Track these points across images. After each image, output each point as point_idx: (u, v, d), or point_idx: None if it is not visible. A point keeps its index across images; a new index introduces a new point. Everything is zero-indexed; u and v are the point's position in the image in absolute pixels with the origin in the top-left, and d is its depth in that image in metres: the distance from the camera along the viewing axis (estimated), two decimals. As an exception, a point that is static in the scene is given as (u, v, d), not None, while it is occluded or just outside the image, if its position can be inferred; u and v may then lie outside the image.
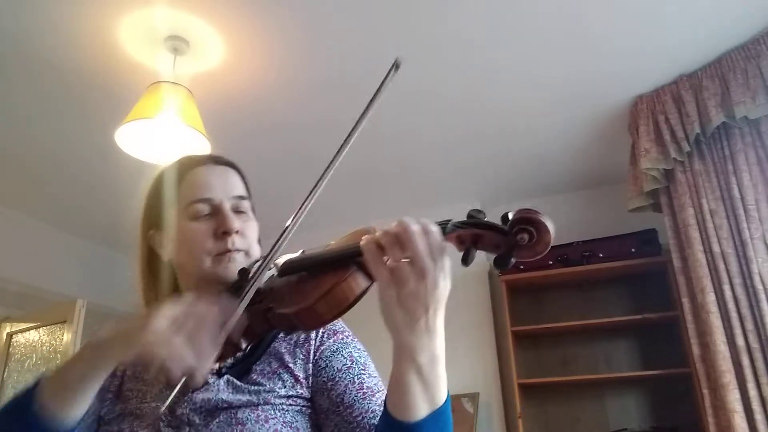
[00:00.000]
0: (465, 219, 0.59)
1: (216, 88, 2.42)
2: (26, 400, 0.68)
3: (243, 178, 0.94)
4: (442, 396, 0.63)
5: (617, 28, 2.18)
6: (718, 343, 2.20)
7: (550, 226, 0.55)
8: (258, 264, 0.74)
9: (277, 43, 2.20)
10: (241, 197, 0.89)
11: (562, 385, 3.19)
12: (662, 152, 2.49)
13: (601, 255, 3.03)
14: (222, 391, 0.77)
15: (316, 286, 0.65)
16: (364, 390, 0.77)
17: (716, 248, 2.28)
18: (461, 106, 2.64)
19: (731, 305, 2.19)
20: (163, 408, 0.71)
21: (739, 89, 2.26)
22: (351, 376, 0.79)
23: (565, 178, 3.38)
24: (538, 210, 0.55)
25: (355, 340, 0.86)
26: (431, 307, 0.58)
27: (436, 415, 0.62)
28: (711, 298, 2.25)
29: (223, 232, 0.83)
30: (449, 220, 0.59)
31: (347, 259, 0.64)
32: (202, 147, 2.17)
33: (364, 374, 0.80)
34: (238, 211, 0.88)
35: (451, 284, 0.60)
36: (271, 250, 0.70)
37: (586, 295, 3.26)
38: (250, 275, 0.73)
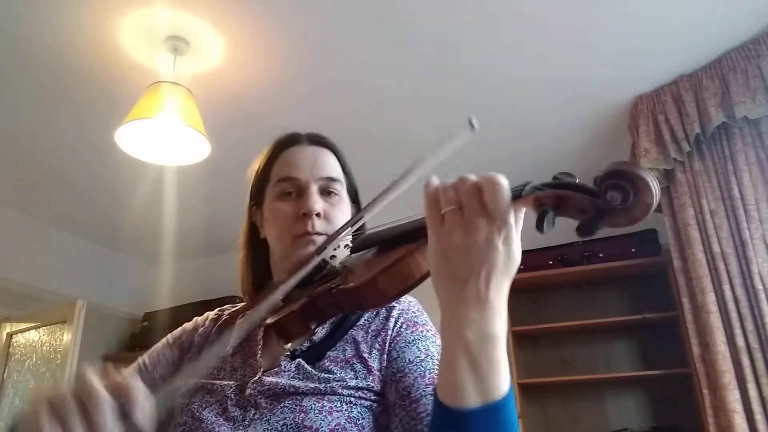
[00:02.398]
0: (548, 181, 0.50)
1: (216, 88, 2.42)
2: None
3: (339, 158, 0.91)
4: (498, 387, 0.52)
5: (617, 28, 2.18)
6: (718, 343, 2.19)
7: (652, 182, 0.44)
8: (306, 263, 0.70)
9: (277, 43, 2.20)
10: (331, 178, 0.86)
11: (562, 385, 3.19)
12: (662, 152, 2.49)
13: (601, 255, 3.03)
14: (291, 375, 0.74)
15: (383, 260, 0.60)
16: (434, 386, 0.68)
17: (716, 248, 2.28)
18: (462, 108, 2.64)
19: (731, 305, 2.19)
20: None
21: (739, 89, 2.26)
22: (422, 369, 0.73)
23: (565, 178, 3.38)
24: (636, 163, 0.45)
25: (437, 335, 0.79)
26: (482, 271, 0.51)
27: (490, 410, 0.52)
28: (711, 298, 2.25)
29: (303, 214, 0.81)
30: (529, 182, 0.51)
31: (418, 232, 0.57)
32: (202, 147, 2.18)
33: (437, 370, 0.73)
34: (327, 192, 0.85)
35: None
36: (326, 242, 0.67)
37: (586, 295, 3.26)
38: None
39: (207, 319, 0.93)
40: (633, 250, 2.95)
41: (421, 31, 2.16)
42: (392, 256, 0.59)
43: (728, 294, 2.21)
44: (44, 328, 3.53)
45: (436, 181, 0.55)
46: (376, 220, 0.72)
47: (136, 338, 4.03)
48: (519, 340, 3.23)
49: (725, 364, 2.16)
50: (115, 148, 2.18)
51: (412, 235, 0.59)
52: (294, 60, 2.29)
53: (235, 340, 0.81)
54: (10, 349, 3.66)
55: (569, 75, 2.45)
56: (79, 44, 2.14)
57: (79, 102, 2.49)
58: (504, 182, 0.50)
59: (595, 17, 2.12)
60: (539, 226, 0.48)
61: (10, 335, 3.68)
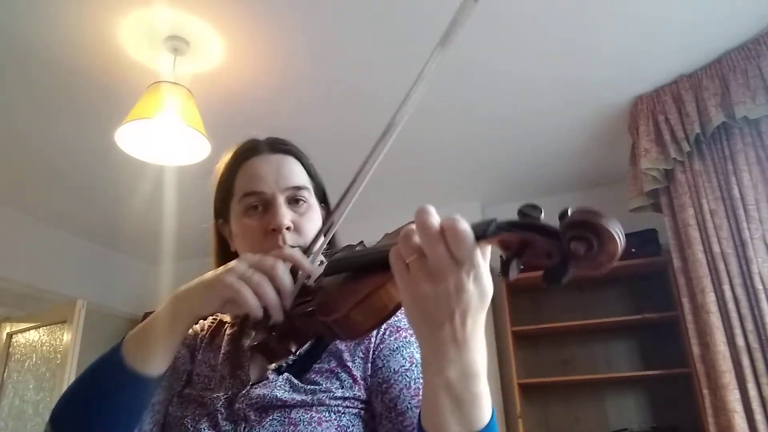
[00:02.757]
0: (512, 219, 0.48)
1: (216, 88, 2.42)
2: (113, 355, 0.69)
3: (303, 163, 0.88)
4: (480, 419, 0.53)
5: (617, 28, 2.18)
6: (718, 343, 2.19)
7: (616, 232, 0.42)
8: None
9: (277, 44, 2.20)
10: (297, 187, 0.83)
11: (562, 385, 3.19)
12: (662, 152, 2.49)
13: (601, 255, 3.03)
14: (279, 388, 0.75)
15: (355, 292, 0.58)
16: (420, 397, 0.70)
17: (716, 248, 2.28)
18: (463, 110, 2.64)
19: (731, 305, 2.19)
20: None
21: (739, 89, 2.26)
22: (407, 380, 0.73)
23: (565, 179, 3.38)
24: (600, 212, 0.43)
25: None
26: (456, 314, 0.49)
27: None
28: (711, 298, 2.25)
29: (272, 230, 0.79)
30: (493, 220, 0.48)
31: (386, 262, 0.56)
32: (202, 147, 2.18)
33: (422, 379, 0.74)
34: (295, 200, 0.83)
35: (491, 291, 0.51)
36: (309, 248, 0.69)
37: (586, 295, 3.26)
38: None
39: (204, 326, 0.94)
40: (633, 250, 2.95)
41: (421, 31, 2.16)
42: (364, 287, 0.58)
43: (728, 294, 2.21)
44: (44, 328, 3.53)
45: (432, 215, 0.51)
46: (350, 232, 0.72)
47: (136, 338, 4.02)
48: (519, 340, 3.23)
49: (725, 364, 2.16)
50: (115, 148, 2.18)
51: (383, 265, 0.56)
52: (294, 60, 2.29)
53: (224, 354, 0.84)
54: (10, 349, 3.66)
55: (569, 75, 2.45)
56: (79, 44, 2.14)
57: (79, 102, 2.49)
58: (466, 227, 0.48)
59: (595, 17, 2.12)
60: (505, 273, 0.47)
61: (10, 335, 3.69)
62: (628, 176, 2.76)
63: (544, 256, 0.46)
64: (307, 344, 0.81)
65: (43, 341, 3.53)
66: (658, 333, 3.04)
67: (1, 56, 2.20)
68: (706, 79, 2.39)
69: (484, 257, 0.50)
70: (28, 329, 3.63)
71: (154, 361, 0.68)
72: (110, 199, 3.40)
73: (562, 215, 0.45)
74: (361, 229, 0.99)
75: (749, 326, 2.14)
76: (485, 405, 0.53)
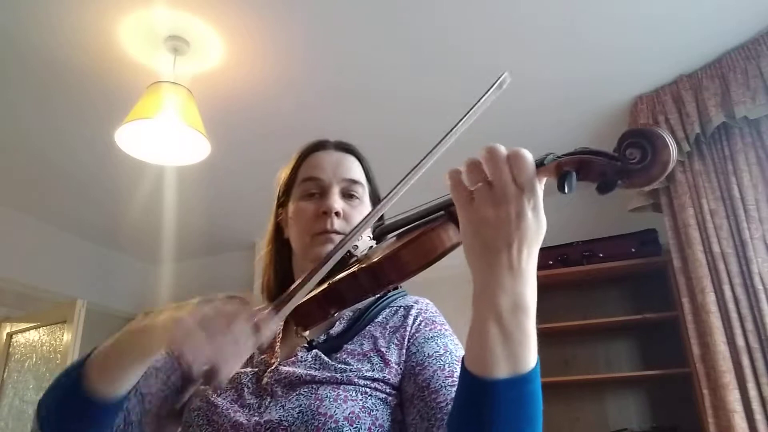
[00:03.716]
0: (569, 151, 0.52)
1: (216, 88, 2.42)
2: (74, 378, 0.71)
3: (363, 165, 0.95)
4: (527, 359, 0.53)
5: (617, 28, 2.18)
6: (718, 343, 2.20)
7: (669, 141, 0.45)
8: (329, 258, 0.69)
9: (277, 44, 2.20)
10: (353, 180, 0.90)
11: (562, 385, 3.19)
12: (662, 152, 2.48)
13: (601, 255, 3.03)
14: (308, 365, 0.76)
15: (404, 238, 0.61)
16: (454, 378, 0.71)
17: (716, 248, 2.28)
18: (463, 108, 2.63)
19: (731, 305, 2.19)
20: (179, 405, 0.69)
21: (739, 89, 2.26)
22: (441, 363, 0.74)
23: (565, 178, 3.38)
24: (655, 126, 0.46)
25: (454, 336, 0.82)
26: (515, 241, 0.51)
27: (519, 381, 0.52)
28: (711, 298, 2.25)
29: (323, 212, 0.85)
30: (550, 153, 0.52)
31: (439, 210, 0.60)
32: (202, 147, 2.18)
33: (456, 365, 0.73)
34: (348, 194, 0.89)
35: (545, 226, 0.53)
36: (349, 234, 0.67)
37: (586, 295, 3.26)
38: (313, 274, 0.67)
39: None
40: (633, 250, 2.95)
41: (421, 32, 2.16)
42: (415, 232, 0.61)
43: (728, 294, 2.21)
44: (44, 328, 3.53)
45: (455, 169, 0.56)
46: (395, 210, 0.73)
47: (136, 338, 4.02)
48: (519, 340, 3.23)
49: (725, 364, 2.16)
50: (115, 148, 2.18)
51: (432, 215, 0.61)
52: (294, 60, 2.29)
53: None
54: (10, 349, 3.66)
55: (569, 74, 2.45)
56: (79, 44, 2.14)
57: (79, 102, 2.49)
58: (528, 154, 0.52)
59: (595, 17, 2.12)
60: (561, 186, 0.50)
61: (10, 335, 3.69)
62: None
63: (598, 174, 0.50)
64: (343, 324, 0.83)
65: (43, 341, 3.53)
66: (658, 333, 3.03)
67: (2, 56, 2.20)
68: (706, 79, 2.39)
69: (542, 189, 0.53)
70: (28, 329, 3.63)
71: (115, 392, 0.70)
72: (110, 199, 3.40)
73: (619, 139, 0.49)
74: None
75: (749, 326, 2.14)
76: (532, 346, 0.53)
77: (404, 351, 0.78)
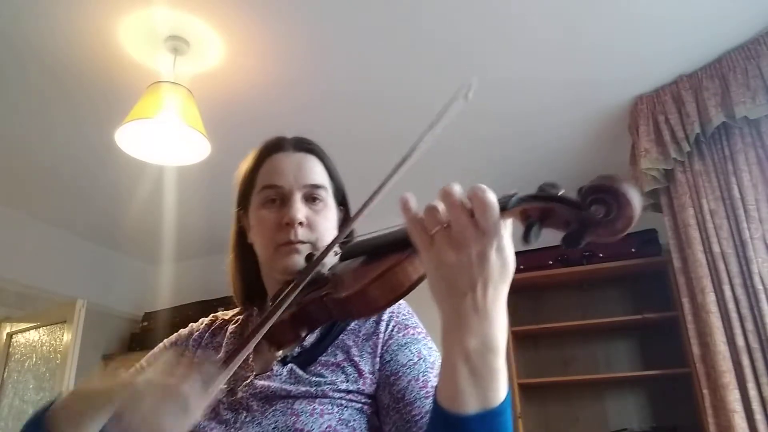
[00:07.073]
0: (533, 192, 0.50)
1: (216, 88, 2.42)
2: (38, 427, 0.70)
3: (326, 163, 0.90)
4: (497, 394, 0.53)
5: (617, 28, 2.18)
6: (718, 343, 2.19)
7: (633, 197, 0.45)
8: (303, 272, 0.69)
9: (277, 44, 2.20)
10: (315, 185, 0.85)
11: (562, 385, 3.19)
12: (662, 152, 2.49)
13: (601, 255, 3.03)
14: (283, 379, 0.76)
15: (372, 269, 0.60)
16: (428, 389, 0.71)
17: (716, 248, 2.28)
18: (464, 110, 2.63)
19: (731, 305, 2.19)
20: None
21: (739, 89, 2.26)
22: (415, 372, 0.74)
23: (565, 178, 3.31)
24: (619, 178, 0.45)
25: (428, 338, 0.81)
26: (478, 283, 0.50)
27: (488, 416, 0.53)
28: (711, 298, 2.25)
29: (286, 223, 0.81)
30: (515, 193, 0.51)
31: (406, 241, 0.57)
32: (202, 147, 2.18)
33: (430, 372, 0.74)
34: (312, 198, 0.85)
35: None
36: (327, 248, 0.66)
37: (586, 295, 3.26)
38: (292, 286, 0.66)
39: (202, 324, 0.94)
40: (633, 250, 2.95)
41: (421, 33, 2.16)
42: (381, 265, 0.59)
43: (728, 294, 2.21)
44: (44, 328, 3.52)
45: (412, 201, 0.54)
46: (364, 226, 0.72)
47: (136, 338, 4.02)
48: (519, 340, 3.23)
49: (725, 364, 2.16)
50: (115, 148, 2.18)
51: (400, 244, 0.59)
52: (294, 60, 2.29)
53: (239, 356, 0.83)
54: (10, 349, 3.66)
55: (569, 75, 2.44)
56: (79, 44, 2.14)
57: (79, 102, 2.49)
58: (492, 198, 0.50)
59: (596, 17, 2.12)
60: (526, 238, 0.49)
61: (10, 335, 3.68)
62: (628, 176, 2.76)
63: (563, 224, 0.48)
64: (316, 334, 0.81)
65: (43, 341, 3.52)
66: (658, 333, 3.04)
67: (2, 56, 2.20)
68: (706, 79, 2.39)
69: (506, 229, 0.51)
70: (28, 329, 3.63)
71: None
72: (110, 199, 3.40)
73: (581, 189, 0.47)
74: (362, 228, 0.99)
75: (749, 326, 2.14)
76: (502, 382, 0.54)
77: (378, 360, 0.77)
